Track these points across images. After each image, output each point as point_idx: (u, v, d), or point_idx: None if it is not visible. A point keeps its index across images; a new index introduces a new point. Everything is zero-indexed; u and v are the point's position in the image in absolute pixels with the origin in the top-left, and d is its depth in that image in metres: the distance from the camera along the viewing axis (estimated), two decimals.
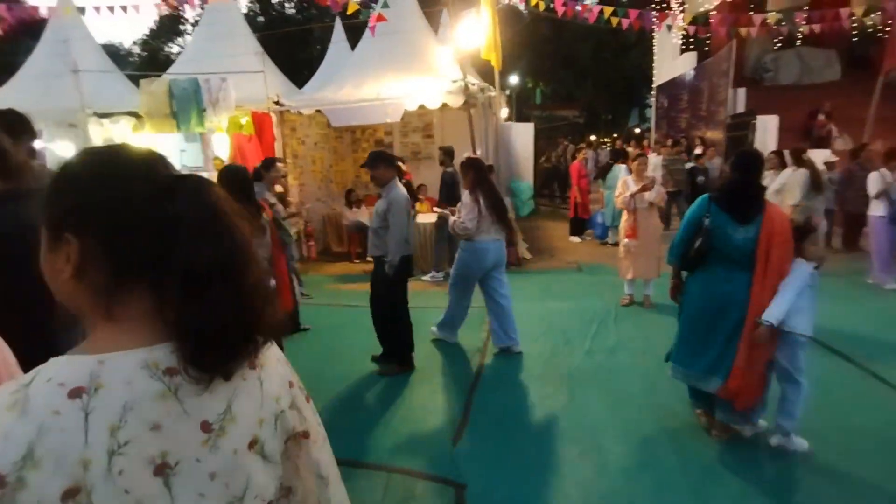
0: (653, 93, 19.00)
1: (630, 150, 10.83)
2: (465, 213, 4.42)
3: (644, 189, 5.57)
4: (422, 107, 7.78)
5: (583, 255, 8.66)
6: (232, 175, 3.41)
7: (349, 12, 7.24)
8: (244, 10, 26.74)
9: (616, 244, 7.59)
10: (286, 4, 27.38)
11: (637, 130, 24.21)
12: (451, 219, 4.60)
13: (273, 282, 3.33)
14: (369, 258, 8.71)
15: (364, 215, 8.92)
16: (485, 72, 10.19)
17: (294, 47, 21.30)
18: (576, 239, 9.72)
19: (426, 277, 7.32)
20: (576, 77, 26.38)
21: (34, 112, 7.94)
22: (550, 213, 13.23)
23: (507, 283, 4.79)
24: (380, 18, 7.05)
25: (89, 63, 8.94)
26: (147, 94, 7.87)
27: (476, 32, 7.11)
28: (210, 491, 0.70)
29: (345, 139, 11.06)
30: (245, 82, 8.06)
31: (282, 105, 7.91)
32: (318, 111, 8.39)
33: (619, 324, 5.31)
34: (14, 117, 2.53)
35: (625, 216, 5.78)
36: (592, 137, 23.30)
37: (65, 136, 9.14)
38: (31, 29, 9.34)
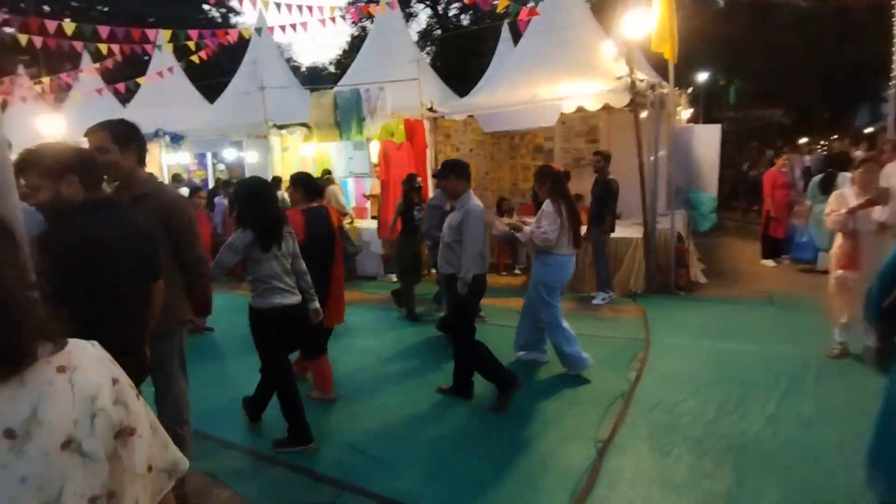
0: (893, 83, 15.24)
1: (857, 153, 8.64)
2: (547, 223, 4.13)
3: (870, 204, 4.15)
4: (581, 109, 7.03)
5: (776, 283, 7.04)
6: (243, 186, 3.41)
7: (499, 10, 6.82)
8: (423, 26, 28.29)
9: (825, 272, 5.96)
10: (461, 16, 28.17)
11: (868, 130, 19.79)
12: (527, 229, 4.27)
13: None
14: (517, 271, 8.24)
15: None
16: (661, 67, 9.00)
17: (468, 59, 21.76)
18: (768, 263, 8.00)
19: (597, 301, 6.42)
20: (782, 71, 22.55)
21: (232, 126, 9.00)
22: (738, 229, 11.29)
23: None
24: (531, 13, 6.51)
25: (277, 81, 9.93)
26: (316, 106, 8.41)
27: (646, 21, 6.16)
28: (21, 494, 0.74)
29: (502, 145, 10.72)
30: (402, 90, 8.15)
31: (435, 111, 7.82)
32: (472, 117, 8.15)
33: (822, 383, 4.00)
34: (121, 127, 2.55)
35: (839, 240, 4.40)
36: (802, 140, 19.64)
37: (254, 147, 10.30)
38: (231, 53, 10.68)
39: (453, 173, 3.81)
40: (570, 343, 4.29)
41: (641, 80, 6.44)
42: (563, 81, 7.06)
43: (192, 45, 7.95)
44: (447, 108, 7.90)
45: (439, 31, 28.38)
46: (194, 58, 8.27)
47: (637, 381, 4.15)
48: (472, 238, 3.67)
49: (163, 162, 10.82)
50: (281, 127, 9.04)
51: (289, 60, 32.36)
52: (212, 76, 13.26)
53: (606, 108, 7.24)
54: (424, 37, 28.46)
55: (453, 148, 8.70)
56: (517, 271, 8.14)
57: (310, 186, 3.87)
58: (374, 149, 8.62)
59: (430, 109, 7.86)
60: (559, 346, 4.31)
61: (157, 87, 11.75)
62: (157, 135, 10.55)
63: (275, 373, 3.32)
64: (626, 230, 6.97)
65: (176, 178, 9.40)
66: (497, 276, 8.07)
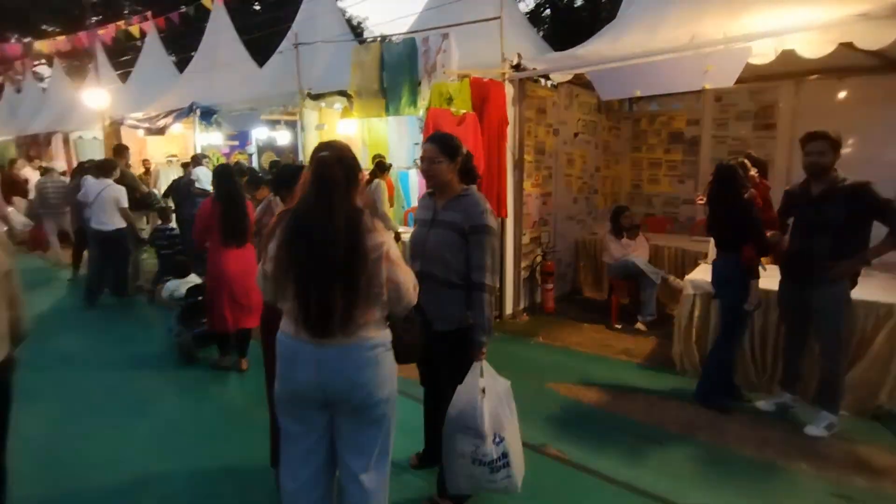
0: None
1: None
2: None
3: None
4: (788, 55, 3.87)
5: None
6: None
7: None
8: (530, 7, 24.99)
9: None
10: None
11: None
12: None
13: None
14: (640, 325, 5.23)
15: (640, 250, 5.43)
16: None
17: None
18: None
19: (813, 430, 3.17)
20: None
21: (265, 98, 6.75)
22: None
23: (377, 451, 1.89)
24: None
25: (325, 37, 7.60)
26: (357, 65, 5.94)
27: None
28: None
29: (622, 131, 7.63)
30: (479, 42, 5.44)
31: (523, 68, 5.00)
32: (578, 81, 5.24)
33: None
34: None
35: None
36: None
37: (288, 125, 8.11)
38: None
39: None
40: None
41: None
42: (752, 8, 3.97)
43: None
44: (543, 64, 5.02)
45: (548, 12, 25.04)
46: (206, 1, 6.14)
47: None
48: None
49: (197, 142, 9.00)
50: (316, 97, 6.72)
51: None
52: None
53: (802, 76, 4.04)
54: (532, 20, 25.25)
55: (548, 129, 5.83)
56: (640, 325, 5.13)
57: None
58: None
59: (517, 67, 5.05)
60: None
61: (210, 52, 10.03)
62: (191, 110, 8.75)
63: None
64: (872, 289, 3.65)
65: (195, 161, 7.43)
66: (605, 332, 5.12)
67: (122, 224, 6.18)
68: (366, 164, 7.33)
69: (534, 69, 4.92)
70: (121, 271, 6.40)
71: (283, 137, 8.34)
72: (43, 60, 24.02)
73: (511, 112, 5.06)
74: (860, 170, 3.20)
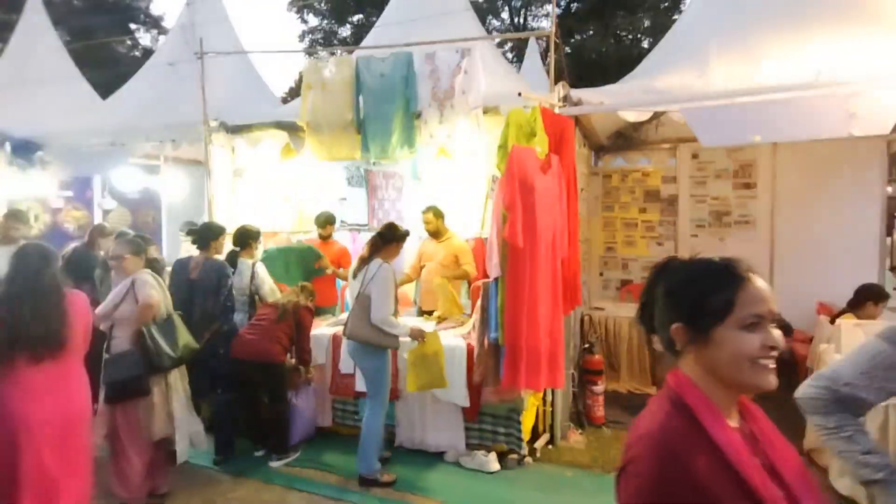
0: None
1: None
2: None
3: None
4: None
5: None
6: None
7: None
8: None
9: None
10: None
11: None
12: None
13: None
14: None
15: None
16: None
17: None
18: None
19: None
20: None
21: (140, 130, 4.44)
22: None
23: None
24: None
25: (226, 61, 5.53)
26: (318, 86, 4.13)
27: None
28: None
29: (591, 188, 6.78)
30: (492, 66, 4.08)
31: (577, 102, 3.72)
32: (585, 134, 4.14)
33: None
34: None
35: None
36: None
37: (182, 169, 5.76)
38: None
39: None
40: None
41: None
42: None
43: None
44: (608, 97, 3.78)
45: None
46: None
47: None
48: None
49: (1, 190, 5.98)
50: (235, 130, 4.62)
51: None
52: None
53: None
54: None
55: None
56: None
57: None
58: (434, 175, 4.48)
59: (564, 99, 3.75)
60: None
61: (21, 63, 7.09)
62: None
63: None
64: None
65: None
66: None
67: None
68: (292, 227, 5.42)
69: (601, 103, 3.66)
70: None
71: (181, 187, 5.82)
72: None
73: None
74: None
